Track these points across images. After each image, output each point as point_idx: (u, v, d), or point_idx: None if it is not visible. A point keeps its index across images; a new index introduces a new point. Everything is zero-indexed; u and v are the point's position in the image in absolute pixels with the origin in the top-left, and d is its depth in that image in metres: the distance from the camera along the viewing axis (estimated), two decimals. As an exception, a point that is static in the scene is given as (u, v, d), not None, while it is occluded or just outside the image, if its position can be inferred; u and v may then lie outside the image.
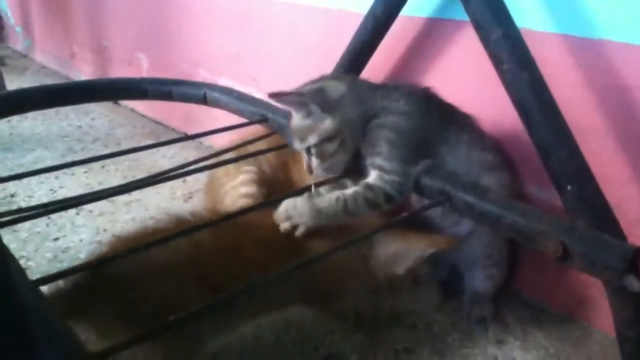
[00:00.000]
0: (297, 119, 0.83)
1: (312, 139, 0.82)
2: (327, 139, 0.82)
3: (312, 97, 0.81)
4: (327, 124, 0.81)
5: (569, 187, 0.74)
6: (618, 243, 0.66)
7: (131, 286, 0.66)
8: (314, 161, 0.84)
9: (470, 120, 0.90)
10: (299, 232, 0.80)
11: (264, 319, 0.92)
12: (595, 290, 0.90)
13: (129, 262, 0.69)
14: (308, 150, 0.84)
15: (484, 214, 0.75)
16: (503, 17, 0.79)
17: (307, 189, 0.85)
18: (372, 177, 0.82)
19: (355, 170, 0.87)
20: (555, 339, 0.92)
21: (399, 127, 0.81)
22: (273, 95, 0.80)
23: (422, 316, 0.96)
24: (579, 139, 0.77)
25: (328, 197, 0.81)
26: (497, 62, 0.79)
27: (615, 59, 0.82)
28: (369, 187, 0.80)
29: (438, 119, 0.85)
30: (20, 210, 0.74)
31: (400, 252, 0.89)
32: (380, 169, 0.81)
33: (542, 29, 0.88)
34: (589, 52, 0.85)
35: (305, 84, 0.86)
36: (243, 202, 1.04)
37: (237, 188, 1.08)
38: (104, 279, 0.68)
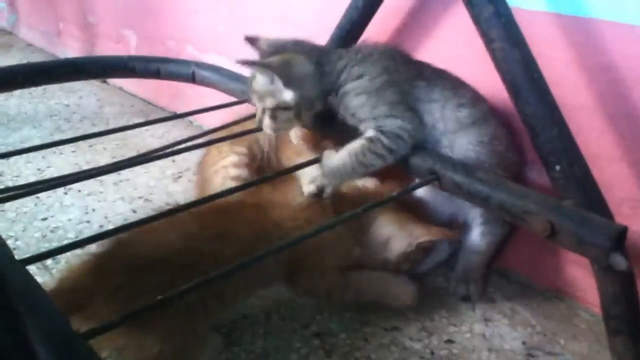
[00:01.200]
0: (260, 82, 0.85)
1: (269, 103, 0.85)
2: (283, 108, 0.85)
3: (278, 70, 0.82)
4: (287, 96, 0.84)
5: (557, 167, 0.75)
6: (605, 222, 0.67)
7: (122, 284, 0.67)
8: (266, 119, 0.87)
9: (442, 75, 0.89)
10: (326, 194, 0.84)
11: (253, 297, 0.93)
12: (582, 267, 0.91)
13: (120, 260, 0.70)
14: (263, 109, 0.87)
15: (472, 193, 0.75)
16: (494, -5, 0.78)
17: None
18: (370, 131, 0.83)
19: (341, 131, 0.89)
20: (542, 316, 0.93)
21: (366, 89, 0.83)
22: (242, 62, 0.82)
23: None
24: (568, 117, 0.77)
25: (339, 155, 0.83)
26: (488, 40, 0.79)
27: (605, 38, 0.82)
28: (370, 139, 0.82)
29: (404, 75, 0.85)
30: (7, 189, 0.73)
31: (393, 237, 0.90)
32: (373, 128, 0.82)
33: (533, 7, 0.88)
34: (579, 31, 0.84)
35: (277, 45, 0.87)
36: (232, 185, 1.04)
37: (227, 169, 1.08)
38: (96, 278, 0.69)
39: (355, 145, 0.82)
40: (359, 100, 0.83)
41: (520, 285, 1.01)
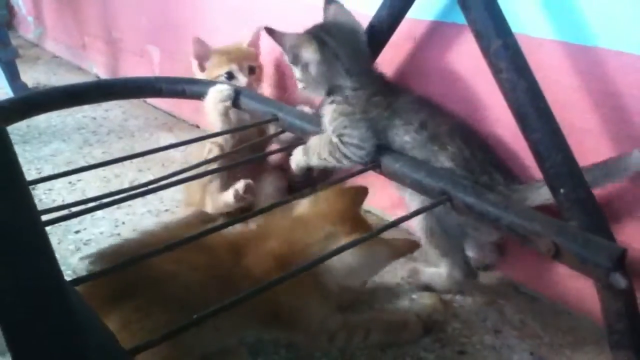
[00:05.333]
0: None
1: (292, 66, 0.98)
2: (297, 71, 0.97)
3: (289, 48, 0.94)
4: (295, 71, 0.97)
5: (562, 190, 0.79)
6: (606, 243, 0.71)
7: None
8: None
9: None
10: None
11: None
12: (588, 281, 0.95)
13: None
14: None
15: (483, 214, 0.80)
16: (502, 28, 0.82)
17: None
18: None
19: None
20: (550, 328, 0.97)
21: (340, 110, 0.94)
22: (268, 31, 0.94)
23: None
24: (573, 140, 0.81)
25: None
26: (496, 71, 0.83)
27: (609, 66, 0.86)
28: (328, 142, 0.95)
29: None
30: (55, 208, 0.80)
31: (359, 263, 0.86)
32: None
33: (541, 35, 0.92)
34: (584, 59, 0.88)
35: (331, 23, 0.99)
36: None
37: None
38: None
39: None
40: (332, 115, 0.94)
41: (530, 297, 1.05)
